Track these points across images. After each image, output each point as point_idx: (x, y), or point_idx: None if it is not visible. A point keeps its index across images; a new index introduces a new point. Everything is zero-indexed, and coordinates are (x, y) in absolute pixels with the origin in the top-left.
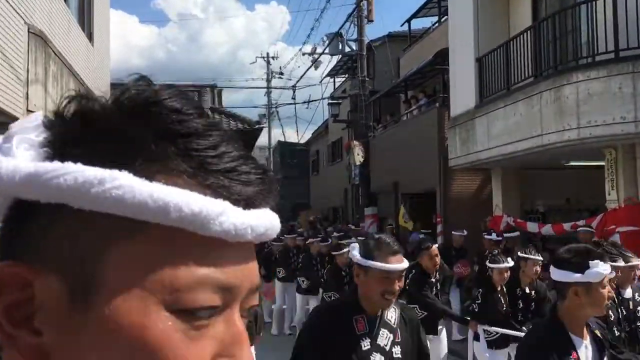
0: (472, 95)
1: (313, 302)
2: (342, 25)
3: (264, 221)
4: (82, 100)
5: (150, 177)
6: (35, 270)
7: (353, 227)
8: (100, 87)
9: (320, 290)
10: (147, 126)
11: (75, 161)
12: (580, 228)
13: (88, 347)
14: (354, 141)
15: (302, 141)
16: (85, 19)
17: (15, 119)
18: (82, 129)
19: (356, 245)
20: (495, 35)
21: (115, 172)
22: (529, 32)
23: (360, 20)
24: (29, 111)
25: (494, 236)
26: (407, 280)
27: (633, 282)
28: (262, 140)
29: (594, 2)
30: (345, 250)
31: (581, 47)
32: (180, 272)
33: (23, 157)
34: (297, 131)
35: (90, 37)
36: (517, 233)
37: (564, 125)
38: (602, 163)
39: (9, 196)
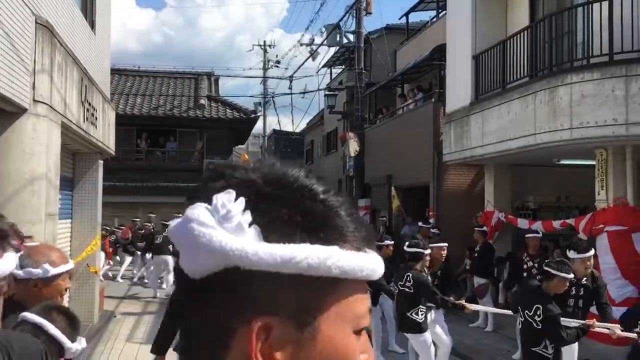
0: (468, 92)
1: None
2: (342, 17)
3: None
4: (249, 183)
5: (345, 249)
6: (276, 318)
7: None
8: (102, 75)
9: None
10: (317, 209)
11: (297, 241)
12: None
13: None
14: (350, 133)
15: (297, 130)
16: (87, 7)
17: (22, 108)
18: (277, 212)
19: None
20: (493, 34)
21: (333, 249)
22: (525, 32)
23: (358, 12)
24: (35, 101)
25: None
26: None
27: None
28: (258, 127)
29: (590, 5)
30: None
31: (576, 49)
32: (360, 306)
33: (250, 235)
34: (293, 120)
35: (92, 25)
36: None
37: (557, 126)
38: (593, 162)
39: (228, 264)
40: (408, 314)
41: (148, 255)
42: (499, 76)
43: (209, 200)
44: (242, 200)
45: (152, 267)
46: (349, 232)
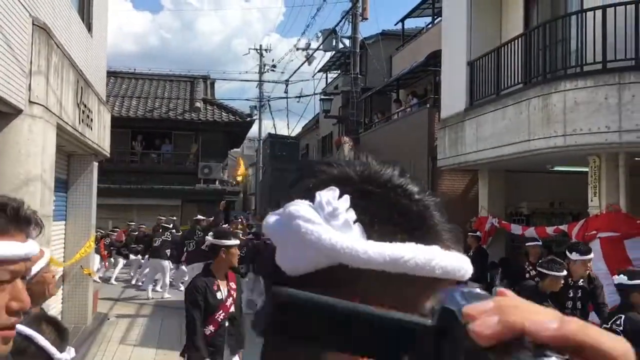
0: (463, 97)
1: None
2: (338, 23)
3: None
4: (345, 182)
5: (443, 249)
6: None
7: None
8: (98, 77)
9: None
10: (413, 208)
11: (398, 241)
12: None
13: None
14: (345, 137)
15: (293, 134)
16: (85, 9)
17: (18, 109)
18: (376, 210)
19: None
20: (487, 40)
21: (435, 250)
22: (520, 39)
23: (354, 18)
24: (31, 102)
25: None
26: None
27: None
28: (253, 131)
29: (584, 13)
30: None
31: (570, 57)
32: None
33: (356, 233)
34: (288, 124)
35: (89, 27)
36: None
37: (550, 132)
38: (586, 169)
39: (334, 262)
40: None
41: (142, 258)
42: (493, 82)
43: (308, 197)
44: (346, 197)
45: (147, 270)
46: (443, 232)
